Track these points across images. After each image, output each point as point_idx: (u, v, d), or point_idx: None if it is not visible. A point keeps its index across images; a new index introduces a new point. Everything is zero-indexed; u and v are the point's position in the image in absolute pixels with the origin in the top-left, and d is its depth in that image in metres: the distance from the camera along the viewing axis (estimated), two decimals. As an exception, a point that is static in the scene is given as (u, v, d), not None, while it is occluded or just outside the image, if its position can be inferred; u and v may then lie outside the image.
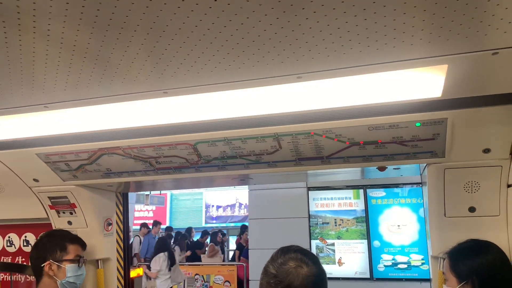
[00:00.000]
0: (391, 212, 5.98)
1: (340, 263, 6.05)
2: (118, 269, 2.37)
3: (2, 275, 2.41)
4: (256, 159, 1.67)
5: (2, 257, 2.42)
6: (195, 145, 1.64)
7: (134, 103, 1.34)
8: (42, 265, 1.86)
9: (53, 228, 2.18)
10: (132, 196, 9.73)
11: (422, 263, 5.73)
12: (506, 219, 1.56)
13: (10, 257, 2.42)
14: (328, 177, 2.48)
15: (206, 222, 15.54)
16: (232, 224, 15.03)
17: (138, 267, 6.96)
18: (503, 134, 1.42)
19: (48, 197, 2.11)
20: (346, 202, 6.19)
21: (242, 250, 8.27)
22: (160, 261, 6.19)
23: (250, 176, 2.03)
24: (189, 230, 10.74)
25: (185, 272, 7.18)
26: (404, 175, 2.55)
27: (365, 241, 6.00)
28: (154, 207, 14.65)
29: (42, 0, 0.78)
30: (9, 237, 2.43)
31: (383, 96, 1.28)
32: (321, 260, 1.31)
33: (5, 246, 2.43)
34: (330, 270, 5.95)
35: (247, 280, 6.81)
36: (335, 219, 6.18)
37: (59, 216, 2.18)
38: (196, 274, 7.18)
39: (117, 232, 2.39)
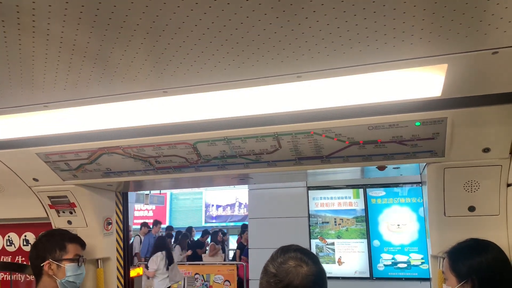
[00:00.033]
0: (391, 211, 5.99)
1: (340, 262, 6.05)
2: (118, 269, 2.38)
3: (2, 275, 2.41)
4: (256, 159, 1.67)
5: (2, 257, 2.42)
6: (194, 144, 1.64)
7: (133, 102, 1.34)
8: (42, 265, 1.86)
9: (53, 227, 2.18)
10: (132, 195, 9.74)
11: (422, 263, 5.74)
12: (505, 218, 1.56)
13: (10, 256, 2.42)
14: (327, 176, 2.48)
15: (206, 222, 15.55)
16: (232, 224, 15.04)
17: (138, 266, 6.96)
18: (503, 134, 1.42)
19: (48, 197, 2.11)
20: (346, 201, 6.19)
21: (243, 249, 8.27)
22: (157, 260, 6.19)
23: (250, 176, 2.03)
24: (189, 229, 10.75)
25: (185, 271, 7.18)
26: (404, 175, 2.55)
27: (365, 241, 6.00)
28: (154, 207, 14.65)
29: (41, -1, 0.78)
30: (9, 236, 2.43)
31: (382, 96, 1.29)
32: (321, 260, 1.31)
33: (5, 245, 2.43)
34: (330, 269, 5.95)
35: (247, 280, 6.82)
36: (334, 219, 6.18)
37: (59, 216, 2.18)
38: (196, 274, 7.18)
39: (117, 231, 2.39)
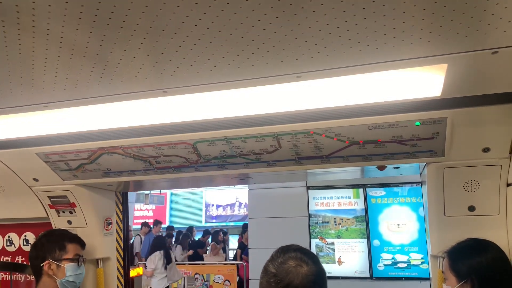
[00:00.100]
0: (391, 211, 5.99)
1: (340, 262, 6.05)
2: (118, 269, 2.38)
3: (2, 275, 2.41)
4: (255, 158, 1.67)
5: (2, 257, 2.42)
6: (194, 144, 1.64)
7: (133, 102, 1.34)
8: (42, 265, 1.86)
9: (53, 227, 2.18)
10: (132, 195, 9.73)
11: (422, 262, 5.74)
12: (505, 218, 1.56)
13: (10, 256, 2.42)
14: (327, 176, 2.48)
15: (206, 221, 15.56)
16: (232, 224, 15.05)
17: (139, 266, 6.96)
18: (502, 133, 1.43)
19: (48, 197, 2.11)
20: (345, 201, 6.20)
21: (244, 249, 8.27)
22: (155, 259, 6.19)
23: (250, 175, 2.03)
24: (190, 229, 10.75)
25: (185, 271, 7.18)
26: (404, 174, 2.55)
27: (365, 240, 6.00)
28: (154, 207, 14.65)
29: (41, -1, 0.78)
30: (9, 236, 2.43)
31: (382, 95, 1.29)
32: (321, 259, 1.31)
33: (5, 245, 2.43)
34: (330, 269, 5.95)
35: (247, 280, 6.82)
36: (334, 218, 6.18)
37: (59, 216, 2.18)
38: (196, 274, 7.18)
39: (117, 231, 2.39)
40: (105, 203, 2.26)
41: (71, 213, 2.14)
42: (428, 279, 5.47)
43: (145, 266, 6.46)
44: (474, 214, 1.60)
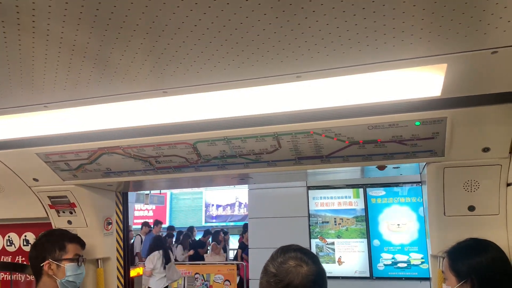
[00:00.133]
0: (391, 211, 5.99)
1: (340, 262, 6.05)
2: (118, 268, 2.38)
3: (2, 275, 2.41)
4: (255, 158, 1.67)
5: (2, 257, 2.42)
6: (194, 144, 1.64)
7: (133, 102, 1.34)
8: (42, 265, 1.86)
9: (53, 227, 2.19)
10: (132, 195, 9.72)
11: (422, 262, 5.74)
12: (505, 218, 1.56)
13: (10, 256, 2.42)
14: (327, 176, 2.48)
15: (206, 221, 15.56)
16: (232, 223, 15.05)
17: (139, 266, 6.96)
18: (502, 133, 1.43)
19: (48, 197, 2.11)
20: (346, 201, 6.20)
21: (245, 249, 8.28)
22: (154, 259, 6.19)
23: (250, 175, 2.03)
24: (191, 229, 10.76)
25: (185, 271, 7.18)
26: (404, 174, 2.55)
27: (365, 240, 6.00)
28: (154, 206, 14.65)
29: (41, -1, 0.79)
30: (9, 236, 2.43)
31: (382, 95, 1.29)
32: (321, 259, 1.31)
33: (5, 245, 2.43)
34: (330, 269, 5.96)
35: (247, 280, 6.82)
36: (334, 218, 6.18)
37: (59, 216, 2.18)
38: (196, 273, 7.18)
39: (117, 231, 2.39)
40: (105, 203, 2.26)
41: (71, 213, 2.14)
42: (428, 279, 5.47)
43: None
44: (474, 214, 1.60)
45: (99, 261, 2.22)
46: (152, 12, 0.83)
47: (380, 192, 6.07)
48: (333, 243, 6.13)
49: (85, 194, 2.08)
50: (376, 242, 5.96)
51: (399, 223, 5.89)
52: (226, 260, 9.17)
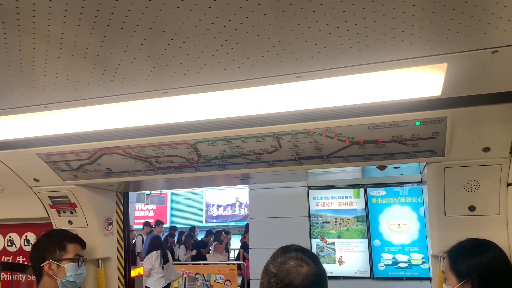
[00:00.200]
0: (392, 211, 5.98)
1: (340, 262, 6.05)
2: (118, 268, 2.38)
3: (3, 275, 2.42)
4: (256, 158, 1.67)
5: (3, 257, 2.42)
6: (195, 144, 1.64)
7: (134, 103, 1.34)
8: (42, 265, 1.86)
9: (54, 227, 2.19)
10: (132, 195, 9.74)
11: (423, 262, 5.73)
12: (506, 218, 1.56)
13: (11, 256, 2.42)
14: (328, 176, 2.48)
15: (206, 221, 15.57)
16: (232, 223, 15.05)
17: (139, 266, 6.97)
18: (503, 133, 1.42)
19: (49, 197, 2.12)
20: (346, 201, 6.19)
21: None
22: (152, 259, 6.19)
23: (250, 176, 2.03)
24: (193, 229, 10.77)
25: (186, 271, 7.18)
26: (404, 174, 2.55)
27: (366, 240, 6.00)
28: (154, 207, 14.66)
29: (41, 0, 0.79)
30: (9, 236, 2.43)
31: (382, 95, 1.29)
32: (321, 259, 1.31)
33: (6, 245, 2.43)
34: (331, 269, 5.95)
35: (247, 280, 6.81)
36: (335, 218, 6.18)
37: (59, 216, 2.18)
38: (197, 273, 7.18)
39: (117, 231, 2.39)
40: (105, 203, 2.27)
41: (71, 213, 2.15)
42: (428, 279, 5.47)
43: (145, 266, 6.47)
44: (474, 214, 1.60)
45: (100, 261, 2.23)
46: (152, 12, 0.83)
47: (381, 192, 6.07)
48: (333, 243, 6.12)
49: (85, 194, 2.08)
50: (376, 242, 5.96)
51: (400, 223, 5.89)
52: (228, 260, 9.17)
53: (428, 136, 1.45)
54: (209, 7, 0.82)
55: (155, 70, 1.10)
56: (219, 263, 7.60)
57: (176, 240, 10.25)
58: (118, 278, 2.38)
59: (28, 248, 2.32)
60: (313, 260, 1.25)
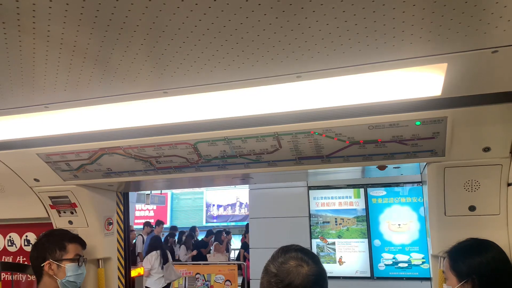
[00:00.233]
0: (392, 211, 5.98)
1: (340, 262, 6.05)
2: (119, 268, 2.38)
3: (3, 275, 2.42)
4: (256, 158, 1.67)
5: (3, 257, 2.42)
6: (195, 144, 1.64)
7: (134, 103, 1.34)
8: (42, 265, 1.86)
9: (54, 227, 2.19)
10: (133, 195, 9.74)
11: (423, 262, 5.73)
12: (506, 218, 1.56)
13: (11, 256, 2.42)
14: (328, 176, 2.48)
15: (206, 221, 15.57)
16: (233, 223, 15.06)
17: (140, 266, 6.97)
18: (503, 133, 1.42)
19: (49, 197, 2.12)
20: (346, 201, 6.19)
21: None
22: (152, 259, 6.20)
23: (251, 176, 2.03)
24: (193, 229, 10.77)
25: (186, 271, 7.18)
26: (404, 174, 2.55)
27: (366, 240, 6.00)
28: (155, 207, 14.66)
29: (41, 1, 0.79)
30: (10, 236, 2.43)
31: (383, 95, 1.29)
32: (321, 259, 1.31)
33: (6, 245, 2.44)
34: (331, 269, 5.95)
35: (248, 280, 6.81)
36: (335, 218, 6.18)
37: (60, 216, 2.18)
38: (197, 274, 7.18)
39: (117, 231, 2.39)
40: (106, 203, 2.27)
41: (72, 213, 2.15)
42: (429, 279, 5.47)
43: (146, 266, 6.46)
44: (474, 214, 1.59)
45: (100, 261, 2.23)
46: (152, 13, 0.83)
47: (381, 192, 6.07)
48: (334, 243, 6.12)
49: (86, 194, 2.08)
50: (377, 242, 5.96)
51: (400, 223, 5.89)
52: (229, 260, 9.17)
53: (428, 136, 1.45)
54: (209, 7, 0.82)
55: (155, 70, 1.10)
56: (219, 263, 7.60)
57: (176, 240, 10.25)
58: (118, 278, 2.38)
59: (28, 248, 2.32)
60: (313, 260, 1.25)
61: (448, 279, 1.51)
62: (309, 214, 6.26)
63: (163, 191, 13.12)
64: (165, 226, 10.84)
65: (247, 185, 6.82)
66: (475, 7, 0.83)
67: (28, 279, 2.38)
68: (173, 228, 11.11)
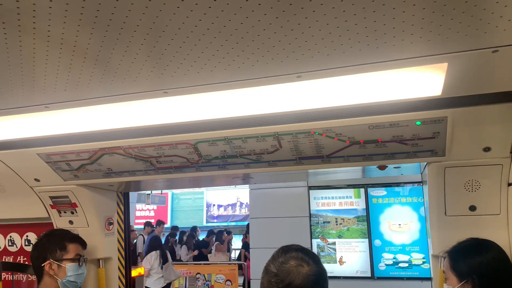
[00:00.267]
0: (392, 211, 5.98)
1: (341, 262, 6.05)
2: (119, 268, 2.38)
3: (4, 275, 2.42)
4: (256, 158, 1.67)
5: (4, 257, 2.42)
6: (195, 144, 1.64)
7: (134, 103, 1.34)
8: (43, 265, 1.86)
9: (55, 227, 2.19)
10: (133, 195, 9.74)
11: (423, 262, 5.73)
12: (506, 218, 1.56)
13: (12, 256, 2.42)
14: (328, 176, 2.48)
15: (207, 221, 15.57)
16: (233, 223, 15.06)
17: (140, 266, 6.97)
18: (503, 133, 1.42)
19: (49, 197, 2.12)
20: (347, 201, 6.19)
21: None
22: (151, 259, 6.20)
23: (251, 175, 2.03)
24: (194, 229, 10.77)
25: (187, 271, 7.19)
26: (405, 174, 2.55)
27: (366, 240, 6.00)
28: (155, 207, 14.67)
29: (41, 1, 0.79)
30: (10, 236, 2.44)
31: (383, 95, 1.29)
32: (322, 259, 1.31)
33: (7, 245, 2.44)
34: (331, 269, 5.95)
35: (248, 280, 6.81)
36: (336, 218, 6.18)
37: (60, 216, 2.18)
38: (198, 273, 7.18)
39: (118, 231, 2.40)
40: (106, 203, 2.27)
41: (72, 213, 2.15)
42: (429, 279, 5.46)
43: (146, 266, 6.47)
44: (475, 214, 1.59)
45: (101, 261, 2.23)
46: (152, 13, 0.83)
47: (381, 192, 6.06)
48: (334, 243, 6.12)
49: (86, 194, 2.08)
50: (377, 242, 5.96)
51: (400, 223, 5.88)
52: (230, 260, 9.17)
53: (429, 136, 1.45)
54: (209, 7, 0.82)
55: (156, 70, 1.10)
56: (219, 263, 7.60)
57: (177, 240, 10.25)
58: (119, 278, 2.38)
59: (29, 248, 2.32)
60: (314, 260, 1.25)
61: (448, 279, 1.51)
62: (310, 214, 6.26)
63: (164, 191, 13.13)
64: (166, 226, 10.84)
65: (248, 185, 6.82)
66: (475, 6, 0.83)
67: (29, 279, 2.39)
68: (174, 228, 11.12)
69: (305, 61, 1.05)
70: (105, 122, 1.54)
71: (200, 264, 7.63)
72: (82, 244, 1.99)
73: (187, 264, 7.79)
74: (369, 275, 5.93)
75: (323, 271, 1.26)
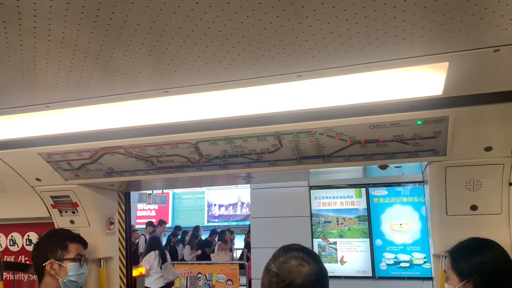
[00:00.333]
0: (393, 210, 5.98)
1: (342, 261, 6.05)
2: (120, 268, 2.38)
3: (5, 274, 2.42)
4: (257, 158, 1.67)
5: (5, 256, 2.43)
6: (196, 144, 1.64)
7: (135, 102, 1.34)
8: (44, 264, 1.86)
9: (56, 227, 2.19)
10: (134, 195, 9.75)
11: (424, 262, 5.72)
12: (508, 217, 1.56)
13: (13, 256, 2.43)
14: (329, 175, 2.48)
15: (208, 221, 15.58)
16: (234, 223, 15.06)
17: (141, 266, 6.97)
18: (504, 132, 1.42)
19: (51, 196, 2.12)
20: (348, 200, 6.19)
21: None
22: (151, 259, 6.21)
23: (252, 175, 2.03)
24: (197, 228, 10.78)
25: (188, 271, 7.19)
26: (406, 174, 2.55)
27: (367, 240, 5.99)
28: (156, 206, 14.68)
29: (42, 0, 0.79)
30: (12, 236, 2.44)
31: (384, 94, 1.28)
32: (323, 259, 1.31)
33: (8, 245, 2.44)
34: (332, 268, 5.95)
35: (249, 279, 6.82)
36: (337, 218, 6.18)
37: (61, 215, 2.18)
38: (199, 273, 7.19)
39: (119, 231, 2.40)
40: (107, 203, 2.27)
41: (73, 212, 2.15)
42: (430, 278, 5.46)
43: (146, 266, 6.48)
44: (476, 214, 1.59)
45: (102, 260, 2.23)
46: (152, 12, 0.83)
47: (382, 191, 6.06)
48: (335, 243, 6.12)
49: (87, 194, 2.08)
50: (378, 242, 5.95)
51: (402, 222, 5.88)
52: (232, 259, 9.17)
53: (430, 135, 1.45)
54: (210, 6, 0.82)
55: (156, 70, 1.10)
56: (221, 263, 7.60)
57: (179, 240, 10.25)
58: (120, 277, 2.38)
59: (30, 248, 2.32)
60: (315, 259, 1.25)
61: (449, 278, 1.51)
62: (311, 213, 6.26)
63: (165, 191, 13.14)
64: (168, 226, 10.85)
65: (249, 185, 6.82)
66: (476, 5, 0.82)
67: (30, 279, 2.39)
68: (177, 228, 11.12)
69: (306, 61, 1.05)
70: (106, 121, 1.54)
71: (201, 263, 7.64)
72: (83, 243, 1.99)
73: (187, 263, 7.79)
74: (370, 274, 5.92)
75: (323, 270, 1.26)
